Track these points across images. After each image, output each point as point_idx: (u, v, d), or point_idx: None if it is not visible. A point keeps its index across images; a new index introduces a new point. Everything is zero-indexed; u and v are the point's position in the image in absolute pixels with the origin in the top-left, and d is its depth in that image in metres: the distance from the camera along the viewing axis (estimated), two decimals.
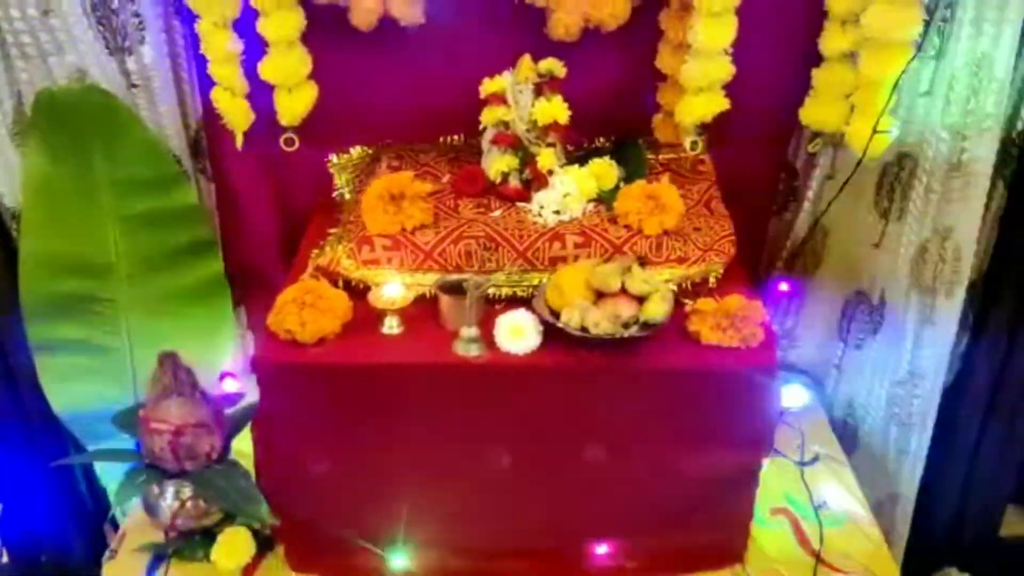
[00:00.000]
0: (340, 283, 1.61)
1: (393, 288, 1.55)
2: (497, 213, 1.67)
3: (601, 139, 1.88)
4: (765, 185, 1.97)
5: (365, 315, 1.55)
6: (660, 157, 1.83)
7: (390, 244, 1.61)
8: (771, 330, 1.52)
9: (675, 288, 1.57)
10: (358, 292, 1.59)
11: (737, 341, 1.47)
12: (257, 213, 1.95)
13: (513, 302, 1.59)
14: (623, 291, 1.48)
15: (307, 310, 1.49)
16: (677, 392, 1.50)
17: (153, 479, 1.60)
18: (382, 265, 1.61)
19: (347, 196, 1.83)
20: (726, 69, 1.66)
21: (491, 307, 1.57)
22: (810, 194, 1.91)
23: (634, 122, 1.88)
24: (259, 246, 1.96)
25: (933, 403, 1.81)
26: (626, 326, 1.43)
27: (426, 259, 1.60)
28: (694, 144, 1.78)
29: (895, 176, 1.74)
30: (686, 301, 1.56)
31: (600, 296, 1.49)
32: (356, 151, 1.87)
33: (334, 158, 1.86)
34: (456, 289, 1.54)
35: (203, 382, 1.60)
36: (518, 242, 1.61)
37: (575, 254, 1.60)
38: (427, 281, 1.60)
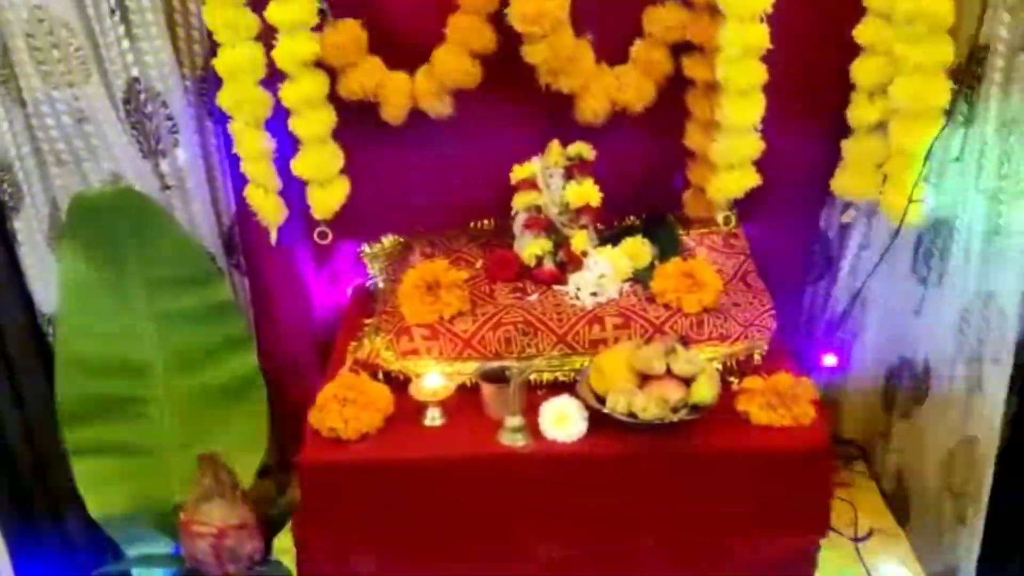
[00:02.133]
0: (380, 375, 1.59)
1: (434, 379, 1.54)
2: (534, 297, 1.66)
3: (631, 217, 1.88)
4: (799, 257, 1.95)
5: (407, 407, 1.53)
6: (692, 233, 1.83)
7: (428, 334, 1.60)
8: (821, 407, 1.49)
9: (720, 367, 1.54)
10: (398, 383, 1.58)
11: (788, 420, 1.44)
12: (291, 305, 1.94)
13: (554, 387, 1.56)
14: (668, 373, 1.46)
15: (349, 407, 1.48)
16: (729, 474, 1.47)
17: None
18: (421, 355, 1.60)
19: (380, 285, 1.83)
20: (756, 145, 1.67)
21: (532, 393, 1.55)
22: (845, 264, 1.89)
23: (662, 199, 1.88)
24: (294, 338, 1.95)
25: (987, 471, 1.76)
26: (675, 410, 1.41)
27: (465, 347, 1.59)
28: (727, 219, 1.78)
29: (932, 242, 1.72)
30: (732, 379, 1.54)
31: (645, 379, 1.47)
32: (388, 240, 1.88)
33: (366, 247, 1.87)
34: (498, 377, 1.52)
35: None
36: (557, 326, 1.59)
37: (615, 336, 1.59)
38: (467, 370, 1.58)
